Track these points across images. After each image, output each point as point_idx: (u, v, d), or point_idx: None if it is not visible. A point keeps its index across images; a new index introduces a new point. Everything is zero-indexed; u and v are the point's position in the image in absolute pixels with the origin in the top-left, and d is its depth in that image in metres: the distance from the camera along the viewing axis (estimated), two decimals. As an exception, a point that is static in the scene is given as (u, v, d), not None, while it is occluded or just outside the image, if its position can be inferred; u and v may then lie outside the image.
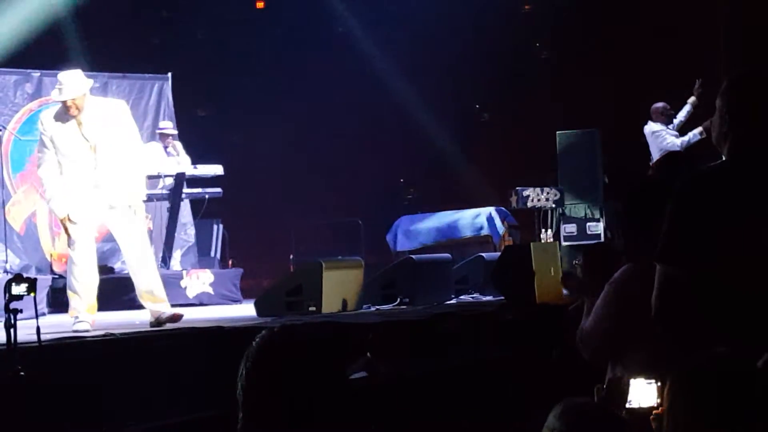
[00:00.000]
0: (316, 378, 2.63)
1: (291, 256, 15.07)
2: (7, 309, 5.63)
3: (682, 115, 12.44)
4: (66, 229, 8.24)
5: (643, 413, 3.41)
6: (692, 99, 12.53)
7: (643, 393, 3.51)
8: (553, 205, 13.38)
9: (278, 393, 2.62)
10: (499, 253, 11.39)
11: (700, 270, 3.17)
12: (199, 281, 12.08)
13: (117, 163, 8.22)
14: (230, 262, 14.00)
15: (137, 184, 8.48)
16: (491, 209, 14.55)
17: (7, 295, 5.71)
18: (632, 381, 3.54)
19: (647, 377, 3.51)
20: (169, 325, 8.10)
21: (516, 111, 16.92)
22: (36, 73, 12.76)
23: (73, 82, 8.12)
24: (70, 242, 8.28)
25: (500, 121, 17.59)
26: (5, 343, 5.57)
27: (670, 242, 3.24)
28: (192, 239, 13.52)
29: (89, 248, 8.23)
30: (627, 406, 3.52)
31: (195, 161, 12.63)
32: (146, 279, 8.36)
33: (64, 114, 8.12)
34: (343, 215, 15.80)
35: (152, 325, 8.24)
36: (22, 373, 5.43)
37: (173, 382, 6.40)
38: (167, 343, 7.02)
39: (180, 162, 12.48)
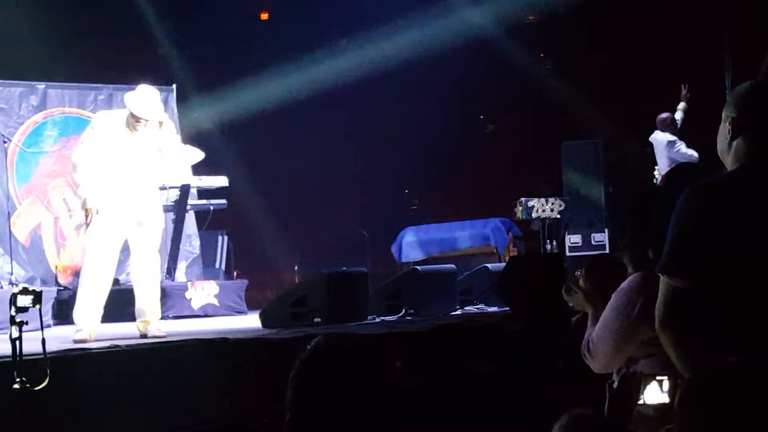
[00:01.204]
0: (365, 385, 2.71)
1: (296, 268, 15.08)
2: (12, 321, 5.63)
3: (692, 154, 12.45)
4: (87, 220, 8.33)
5: (655, 410, 3.40)
6: (682, 105, 12.57)
7: (654, 390, 3.51)
8: (558, 216, 13.39)
9: (327, 398, 2.71)
10: (504, 264, 11.39)
11: (704, 282, 3.16)
12: (204, 292, 12.07)
13: (156, 185, 8.67)
14: (235, 274, 13.99)
15: (160, 200, 8.97)
16: (496, 220, 14.55)
17: (12, 307, 5.71)
18: (644, 378, 3.53)
19: (659, 375, 3.50)
20: (174, 337, 8.13)
21: (520, 122, 16.94)
22: (41, 86, 12.78)
23: (159, 105, 8.55)
24: (89, 241, 8.41)
25: (505, 131, 17.61)
26: (11, 355, 5.57)
27: (674, 254, 3.24)
28: (197, 251, 13.52)
29: (108, 254, 8.38)
30: (639, 402, 3.52)
31: (200, 173, 12.63)
32: (147, 299, 8.60)
33: (129, 123, 8.34)
34: (349, 226, 15.80)
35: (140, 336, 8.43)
36: (27, 385, 5.44)
37: (179, 394, 6.41)
38: (173, 354, 7.03)
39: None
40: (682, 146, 12.27)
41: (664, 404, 3.42)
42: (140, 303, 8.61)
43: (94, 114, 12.54)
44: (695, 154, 12.18)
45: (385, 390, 2.77)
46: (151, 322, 8.59)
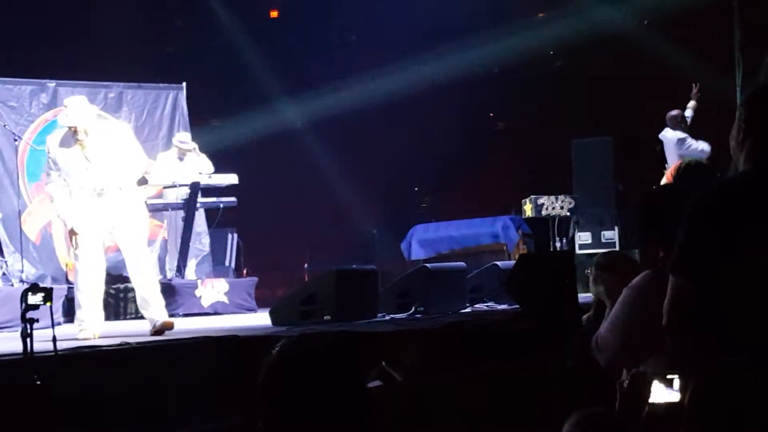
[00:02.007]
0: (334, 386, 2.64)
1: (305, 265, 15.08)
2: (23, 318, 5.65)
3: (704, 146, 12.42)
4: (72, 242, 8.69)
5: (665, 410, 3.40)
6: (693, 103, 12.56)
7: (665, 389, 3.50)
8: (568, 213, 13.38)
9: (297, 401, 2.63)
10: (513, 262, 11.37)
11: (713, 282, 3.16)
12: (213, 290, 12.09)
13: (118, 184, 8.64)
14: (245, 272, 14.01)
15: (138, 200, 8.97)
16: (505, 218, 14.55)
17: (23, 304, 5.73)
18: (654, 376, 3.53)
19: (670, 374, 3.50)
20: (184, 334, 8.15)
21: (530, 119, 16.92)
22: (51, 84, 12.81)
23: (80, 109, 8.51)
24: (75, 255, 8.70)
25: (514, 129, 17.60)
26: (22, 352, 5.59)
27: (683, 253, 3.23)
28: (207, 248, 13.54)
29: (95, 262, 8.62)
30: (649, 401, 3.51)
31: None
32: (146, 290, 8.77)
33: (70, 137, 8.51)
34: (358, 224, 15.81)
35: (151, 333, 8.53)
36: (38, 382, 5.45)
37: (189, 391, 6.42)
38: (182, 352, 7.04)
39: (203, 167, 12.50)
40: (692, 143, 12.25)
41: (674, 404, 3.41)
42: (141, 301, 8.86)
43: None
44: (707, 147, 12.16)
45: (359, 390, 2.71)
46: (158, 313, 8.76)
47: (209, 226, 13.48)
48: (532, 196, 13.42)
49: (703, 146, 12.21)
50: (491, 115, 18.32)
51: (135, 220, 8.79)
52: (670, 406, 3.41)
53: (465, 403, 7.00)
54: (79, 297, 8.58)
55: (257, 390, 2.69)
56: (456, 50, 16.02)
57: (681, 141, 12.30)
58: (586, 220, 13.66)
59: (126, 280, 11.62)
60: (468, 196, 16.96)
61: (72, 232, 8.61)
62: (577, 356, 5.49)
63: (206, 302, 11.95)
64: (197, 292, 11.92)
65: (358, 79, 16.10)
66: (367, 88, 15.99)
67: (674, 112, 12.45)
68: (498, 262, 11.80)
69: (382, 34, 16.06)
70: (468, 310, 10.68)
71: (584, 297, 8.81)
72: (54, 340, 5.85)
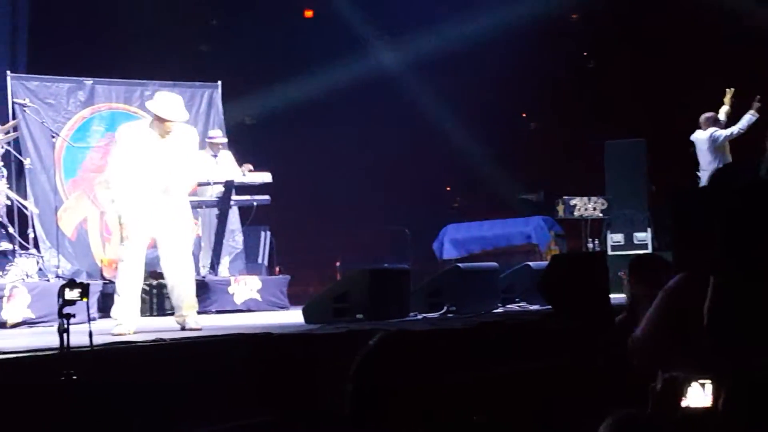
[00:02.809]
0: (424, 380, 2.74)
1: (338, 264, 15.12)
2: (60, 314, 5.71)
3: (743, 125, 12.35)
4: (123, 233, 8.76)
5: (698, 413, 3.40)
6: (726, 108, 12.56)
7: (698, 393, 3.50)
8: (600, 215, 13.36)
9: (388, 393, 2.71)
10: (546, 262, 11.36)
11: (753, 282, 3.16)
12: (246, 288, 12.15)
13: (182, 184, 8.89)
14: (277, 269, 14.06)
15: (186, 202, 9.11)
16: (538, 218, 14.53)
17: (60, 300, 5.79)
18: (687, 381, 3.53)
19: (703, 378, 3.50)
20: (218, 331, 8.21)
21: (563, 120, 16.89)
22: (89, 81, 12.91)
23: (181, 108, 8.79)
24: (123, 246, 8.75)
25: (547, 129, 17.58)
26: (58, 347, 5.65)
27: (725, 253, 3.23)
28: (240, 246, 13.60)
29: (139, 257, 8.71)
30: (682, 405, 3.51)
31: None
32: (182, 291, 8.91)
33: (153, 129, 8.66)
34: (390, 223, 15.83)
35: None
36: (74, 377, 5.51)
37: (222, 388, 6.46)
38: (216, 348, 7.08)
39: (233, 170, 12.58)
40: (721, 133, 12.29)
41: (707, 407, 3.42)
42: (176, 299, 8.99)
43: (140, 109, 12.74)
44: (735, 128, 12.19)
45: (441, 385, 2.79)
46: (188, 315, 8.88)
47: (243, 224, 13.54)
48: (564, 197, 13.40)
49: (732, 129, 12.22)
50: (524, 115, 18.29)
51: (181, 221, 8.92)
52: (703, 409, 3.42)
53: (495, 402, 7.01)
54: (119, 289, 8.68)
55: (350, 378, 2.78)
56: (491, 52, 16.02)
57: (711, 138, 12.31)
58: (618, 221, 13.64)
59: (160, 276, 11.72)
60: (500, 196, 16.95)
61: (123, 226, 8.71)
62: (609, 357, 5.49)
63: (239, 299, 12.01)
64: (230, 289, 11.98)
65: (391, 80, 16.09)
66: (401, 88, 15.99)
67: (708, 114, 12.43)
68: (530, 263, 11.79)
69: (415, 32, 16.09)
70: (500, 310, 10.68)
71: (617, 298, 8.80)
72: (90, 335, 5.90)
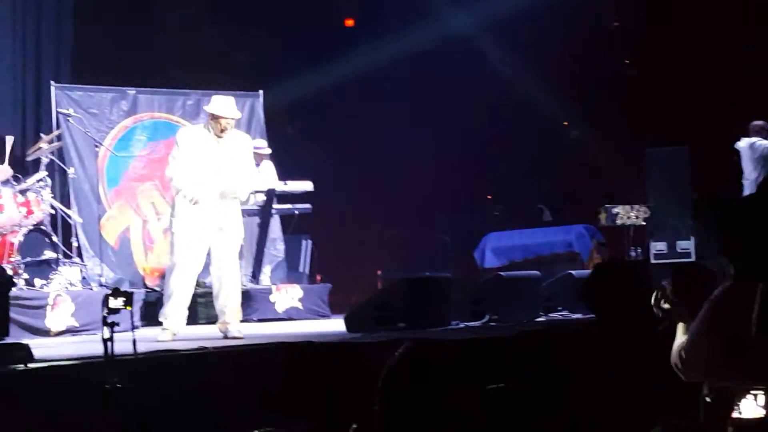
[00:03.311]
0: (457, 387, 2.72)
1: (379, 272, 15.12)
2: (104, 322, 5.74)
3: None
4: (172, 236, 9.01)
5: (751, 425, 3.36)
6: None
7: (750, 404, 3.46)
8: (643, 223, 13.28)
9: (421, 402, 2.72)
10: (588, 271, 11.31)
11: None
12: (288, 296, 12.18)
13: (238, 193, 9.08)
14: (318, 278, 14.07)
15: (240, 210, 9.32)
16: (579, 227, 14.47)
17: (105, 308, 5.82)
18: (739, 391, 3.49)
19: (755, 388, 3.45)
20: (260, 340, 8.25)
21: (605, 128, 16.81)
22: (131, 91, 12.99)
23: (233, 107, 9.06)
24: (171, 252, 9.03)
25: (589, 138, 17.50)
26: (103, 355, 5.68)
27: None
28: (281, 254, 13.62)
29: (191, 262, 8.89)
30: (733, 416, 3.47)
31: (284, 177, 12.76)
32: (227, 302, 9.05)
33: (209, 132, 8.95)
34: (432, 232, 15.80)
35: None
36: (119, 385, 5.54)
37: (264, 396, 6.48)
38: (259, 357, 7.11)
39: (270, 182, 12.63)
40: (763, 143, 12.19)
41: (760, 418, 3.37)
42: (220, 305, 9.09)
43: (182, 118, 12.81)
44: None
45: (473, 395, 2.78)
46: (231, 323, 9.00)
47: (284, 232, 13.57)
48: (606, 205, 13.34)
49: None
50: (565, 123, 18.22)
51: (234, 228, 9.08)
52: (755, 421, 3.38)
53: (539, 409, 6.98)
54: (168, 292, 8.88)
55: (378, 390, 2.77)
56: (530, 59, 15.99)
57: (752, 147, 12.23)
58: (661, 229, 13.54)
59: (203, 285, 11.77)
60: (542, 203, 16.88)
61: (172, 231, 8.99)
62: (654, 367, 5.44)
63: (280, 308, 12.04)
64: (272, 298, 12.02)
65: (432, 88, 16.08)
66: (443, 96, 15.97)
67: (759, 123, 12.36)
68: (572, 271, 11.75)
69: (457, 41, 16.08)
70: (542, 318, 10.65)
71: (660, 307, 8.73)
72: (134, 343, 5.93)
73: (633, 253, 13.28)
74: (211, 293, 9.51)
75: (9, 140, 11.15)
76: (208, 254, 9.12)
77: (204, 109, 9.45)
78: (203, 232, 8.88)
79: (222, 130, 8.90)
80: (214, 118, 8.93)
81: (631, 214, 13.24)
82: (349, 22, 17.06)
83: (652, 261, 13.07)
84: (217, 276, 9.06)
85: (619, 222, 13.30)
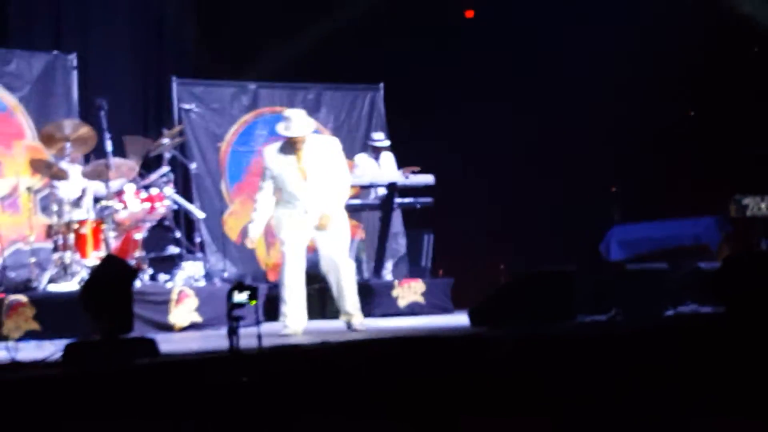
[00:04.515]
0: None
1: (502, 266, 14.97)
2: (229, 316, 5.73)
3: None
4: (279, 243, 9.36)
5: None
6: None
7: None
8: (775, 214, 12.94)
9: None
10: (717, 264, 11.02)
11: None
12: (410, 291, 12.13)
13: (326, 193, 9.15)
14: (440, 272, 13.99)
15: (340, 207, 9.39)
16: (708, 218, 14.13)
17: (229, 302, 5.82)
18: None
19: None
20: (384, 334, 8.22)
21: (734, 116, 16.39)
22: (252, 86, 13.08)
23: (300, 121, 9.10)
24: (282, 253, 9.27)
25: (717, 127, 17.09)
26: (228, 349, 5.68)
27: None
28: (403, 249, 13.57)
29: (297, 266, 9.12)
30: None
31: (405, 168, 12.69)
32: (343, 291, 9.29)
33: (287, 148, 9.11)
34: (556, 225, 15.61)
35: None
36: (244, 379, 5.52)
37: (387, 390, 6.40)
38: (382, 350, 7.04)
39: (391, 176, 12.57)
40: None
41: None
42: (339, 300, 9.35)
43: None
44: None
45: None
46: (354, 315, 9.26)
47: (405, 227, 13.51)
48: (736, 196, 13.00)
49: None
50: (692, 113, 17.82)
51: (336, 224, 9.20)
52: None
53: (669, 405, 6.79)
54: (283, 293, 9.02)
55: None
56: (653, 48, 15.67)
57: None
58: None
59: (317, 279, 11.80)
60: (669, 195, 16.53)
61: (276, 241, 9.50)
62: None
63: (403, 303, 12.00)
64: (394, 293, 11.98)
65: (553, 79, 15.86)
66: (564, 86, 15.75)
67: None
68: (701, 264, 11.48)
69: (573, 31, 15.83)
70: (671, 312, 10.41)
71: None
72: (259, 337, 5.92)
73: (764, 245, 12.93)
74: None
75: (132, 139, 11.30)
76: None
77: (276, 129, 9.56)
78: (303, 237, 9.19)
79: (299, 146, 9.08)
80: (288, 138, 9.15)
81: (762, 204, 12.91)
82: (469, 14, 16.90)
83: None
84: (329, 276, 9.31)
85: (749, 213, 12.96)
